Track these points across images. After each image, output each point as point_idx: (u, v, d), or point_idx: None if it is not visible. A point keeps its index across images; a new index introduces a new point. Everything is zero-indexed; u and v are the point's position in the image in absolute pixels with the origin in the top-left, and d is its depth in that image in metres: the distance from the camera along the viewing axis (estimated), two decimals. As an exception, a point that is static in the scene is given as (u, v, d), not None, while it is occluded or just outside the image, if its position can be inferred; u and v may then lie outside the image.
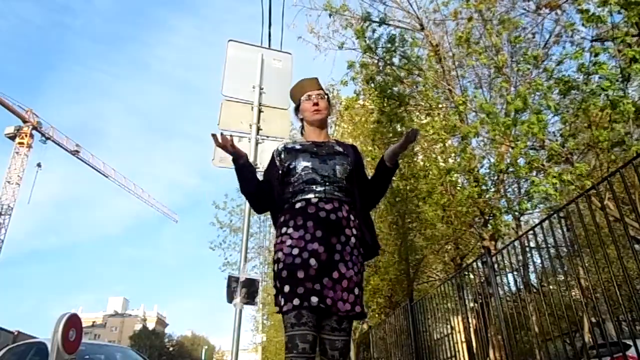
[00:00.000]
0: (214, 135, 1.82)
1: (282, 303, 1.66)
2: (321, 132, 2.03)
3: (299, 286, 1.64)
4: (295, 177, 1.86)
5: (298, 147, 1.97)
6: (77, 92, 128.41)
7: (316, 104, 1.98)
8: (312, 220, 1.75)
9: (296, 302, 1.62)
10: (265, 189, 1.93)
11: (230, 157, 1.91)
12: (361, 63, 7.23)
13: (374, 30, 7.14)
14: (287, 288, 1.66)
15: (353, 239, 1.80)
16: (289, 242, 1.73)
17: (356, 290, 1.73)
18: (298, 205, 1.81)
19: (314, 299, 1.62)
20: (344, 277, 1.71)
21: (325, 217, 1.77)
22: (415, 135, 1.82)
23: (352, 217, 1.84)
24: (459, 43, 6.25)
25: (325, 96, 2.06)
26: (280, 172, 1.92)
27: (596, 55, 4.66)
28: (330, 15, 6.97)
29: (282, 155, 1.96)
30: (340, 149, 1.97)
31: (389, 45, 7.07)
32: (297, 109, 2.09)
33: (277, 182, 1.92)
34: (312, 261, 1.68)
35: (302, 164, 1.86)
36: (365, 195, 1.94)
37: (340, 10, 6.94)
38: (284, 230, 1.79)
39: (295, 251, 1.70)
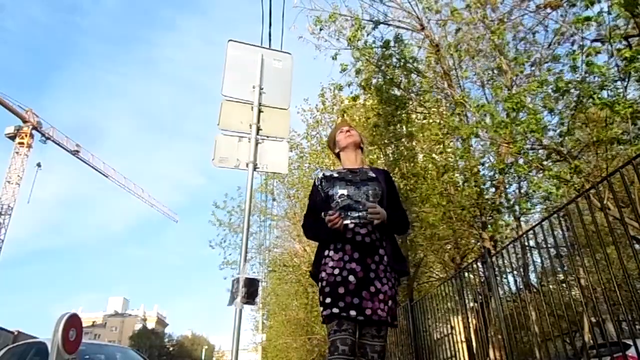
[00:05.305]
0: (332, 216, 2.04)
1: (325, 311, 1.96)
2: (356, 158, 2.31)
3: (340, 300, 1.94)
4: (333, 204, 2.15)
5: (335, 175, 2.25)
6: (81, 92, 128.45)
7: (348, 131, 2.34)
8: (350, 243, 2.05)
9: (335, 310, 1.93)
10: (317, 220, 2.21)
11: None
12: (356, 70, 7.19)
13: (368, 34, 7.09)
14: (329, 300, 1.96)
15: (386, 258, 2.09)
16: (330, 263, 2.05)
17: (390, 302, 2.01)
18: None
19: (353, 312, 1.92)
20: (380, 292, 1.99)
21: (361, 241, 2.06)
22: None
23: (384, 239, 2.13)
24: (456, 47, 6.27)
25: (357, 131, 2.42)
26: (320, 198, 2.23)
27: (588, 55, 4.64)
28: (320, 29, 6.89)
29: (322, 184, 2.25)
30: (373, 175, 2.24)
31: (384, 50, 7.01)
32: (334, 146, 2.41)
33: (320, 206, 2.21)
34: (351, 278, 1.98)
35: (339, 192, 2.14)
36: (392, 219, 2.16)
37: (329, 22, 6.87)
38: (326, 253, 2.10)
39: (336, 271, 2.01)
